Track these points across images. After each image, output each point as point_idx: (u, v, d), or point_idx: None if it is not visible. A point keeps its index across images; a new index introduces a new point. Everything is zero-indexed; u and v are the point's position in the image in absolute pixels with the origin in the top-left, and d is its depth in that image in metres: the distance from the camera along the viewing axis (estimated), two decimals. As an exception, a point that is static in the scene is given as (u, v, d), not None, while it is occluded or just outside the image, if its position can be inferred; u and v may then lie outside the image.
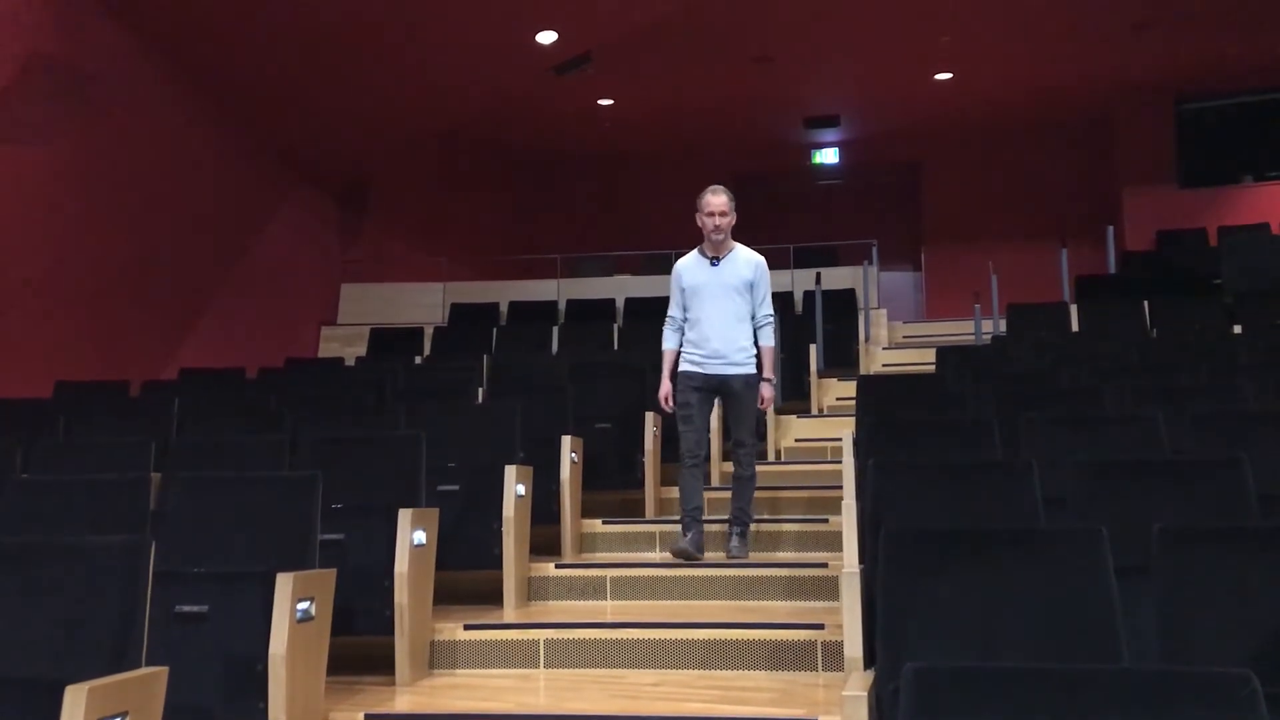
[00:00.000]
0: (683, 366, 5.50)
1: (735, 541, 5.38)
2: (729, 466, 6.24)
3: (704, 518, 5.44)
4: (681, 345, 5.58)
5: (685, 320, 5.56)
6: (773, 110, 14.65)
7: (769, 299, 5.56)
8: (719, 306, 5.44)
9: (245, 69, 9.99)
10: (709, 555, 5.51)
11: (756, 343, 5.51)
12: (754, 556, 5.45)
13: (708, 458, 5.59)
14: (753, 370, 5.47)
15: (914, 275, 15.80)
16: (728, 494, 5.66)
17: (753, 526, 5.54)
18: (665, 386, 5.56)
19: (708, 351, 5.43)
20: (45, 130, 8.50)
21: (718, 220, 5.47)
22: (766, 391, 5.47)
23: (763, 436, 7.54)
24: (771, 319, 5.56)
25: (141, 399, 7.70)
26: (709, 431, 5.57)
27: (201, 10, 9.02)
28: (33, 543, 3.23)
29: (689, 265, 5.59)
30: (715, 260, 5.51)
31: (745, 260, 5.53)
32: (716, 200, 5.50)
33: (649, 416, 6.45)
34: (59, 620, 2.95)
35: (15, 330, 8.35)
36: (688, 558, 5.21)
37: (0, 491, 4.55)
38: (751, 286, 5.49)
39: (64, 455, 5.54)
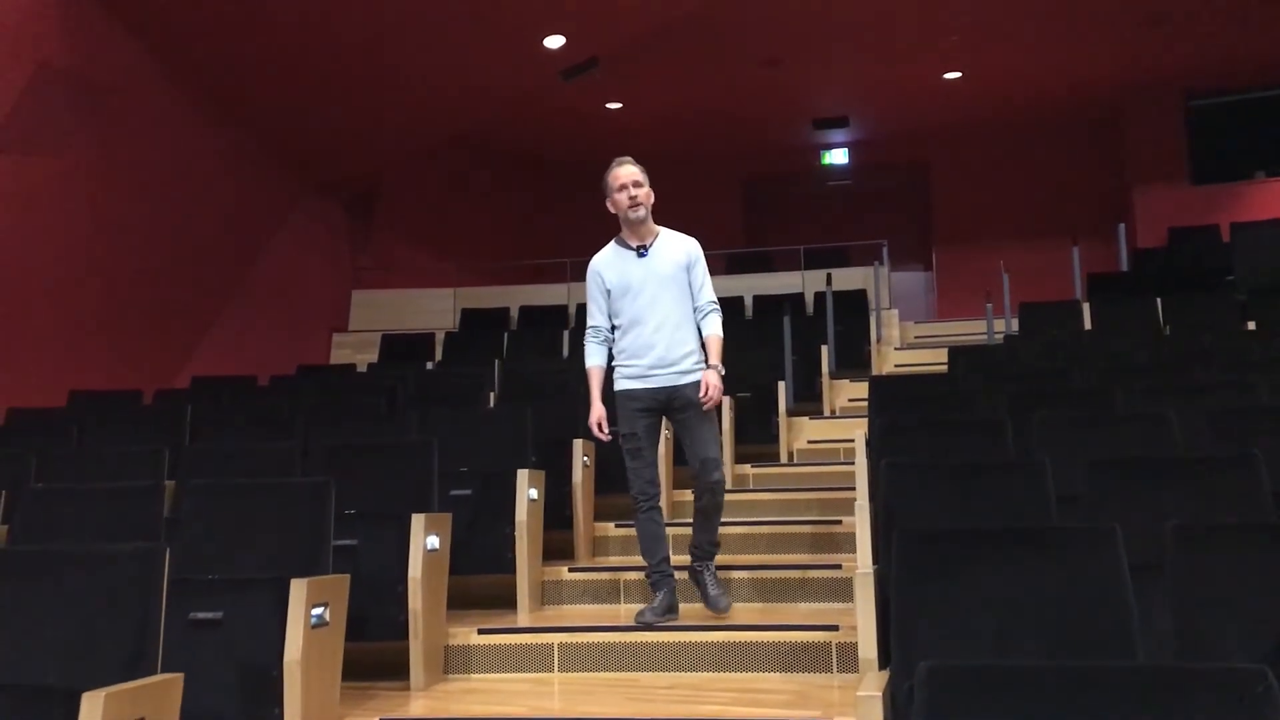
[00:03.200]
0: (620, 385, 4.57)
1: (712, 585, 4.54)
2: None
3: (673, 568, 4.62)
4: (611, 360, 4.66)
5: (614, 328, 4.63)
6: (781, 112, 14.64)
7: (709, 283, 4.63)
8: (659, 304, 4.51)
9: (254, 78, 10.03)
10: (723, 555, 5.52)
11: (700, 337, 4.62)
12: (768, 559, 5.43)
13: (659, 495, 4.63)
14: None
15: (925, 275, 15.78)
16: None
17: (772, 532, 5.04)
18: (598, 410, 4.58)
19: (651, 361, 4.50)
20: (57, 141, 8.54)
21: (632, 190, 4.51)
22: (712, 379, 4.42)
23: (776, 438, 7.53)
24: (716, 305, 4.62)
25: (154, 407, 7.74)
26: (659, 463, 4.65)
27: (211, 21, 9.06)
28: (48, 551, 3.25)
29: (609, 260, 4.64)
30: (642, 250, 4.58)
31: (676, 243, 4.62)
32: (626, 170, 4.55)
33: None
34: (75, 628, 2.96)
35: (29, 339, 8.39)
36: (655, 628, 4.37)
37: (15, 500, 4.58)
38: (688, 271, 4.58)
39: (78, 464, 5.58)
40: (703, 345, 4.59)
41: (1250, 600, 2.81)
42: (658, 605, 4.45)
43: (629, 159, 4.61)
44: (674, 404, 4.51)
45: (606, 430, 4.59)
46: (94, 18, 8.58)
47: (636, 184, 4.52)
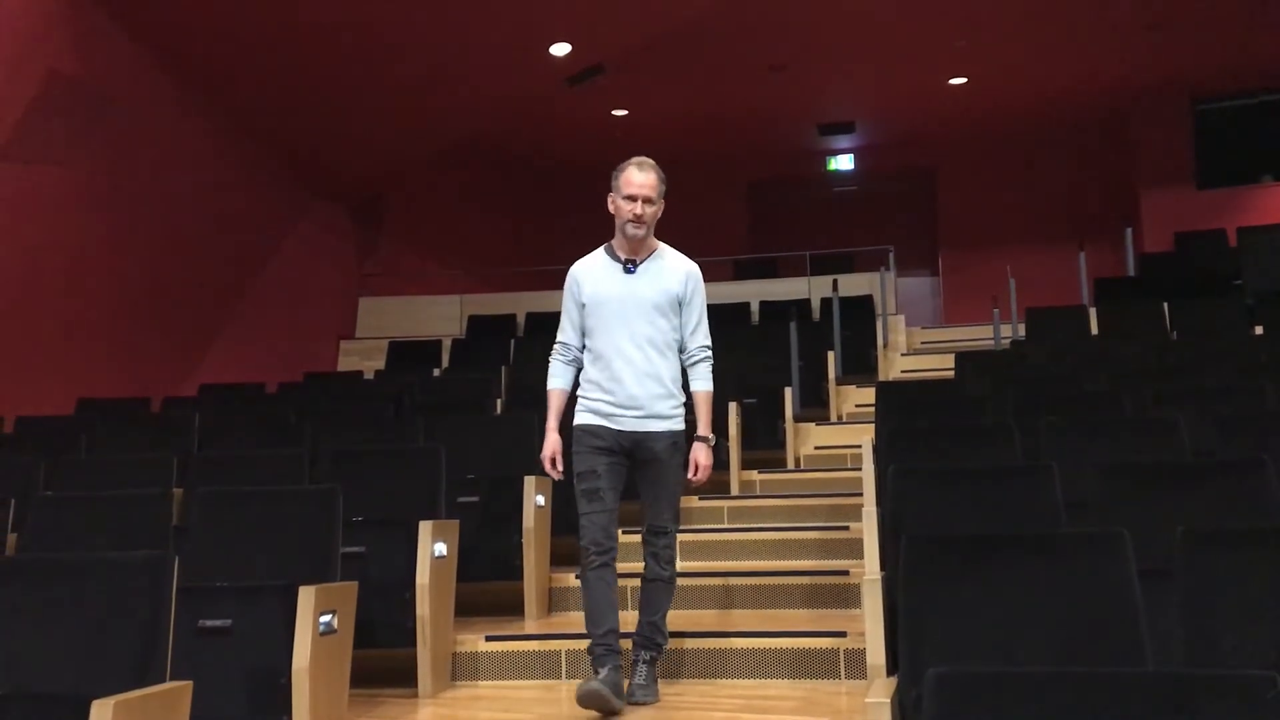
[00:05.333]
0: (582, 418, 3.94)
1: (642, 674, 3.86)
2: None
3: (620, 641, 3.88)
4: (577, 385, 4.03)
5: (584, 349, 4.02)
6: (787, 117, 14.64)
7: (705, 324, 3.97)
8: (635, 332, 3.87)
9: (261, 86, 10.06)
10: (739, 558, 5.50)
11: (686, 385, 3.97)
12: (775, 565, 5.42)
13: (615, 550, 3.93)
14: (681, 426, 3.92)
15: (931, 280, 15.77)
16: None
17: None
18: (552, 442, 3.97)
19: (620, 399, 3.86)
20: (65, 150, 8.57)
21: (640, 207, 3.84)
22: (702, 457, 3.89)
23: (783, 444, 7.51)
24: (708, 353, 3.97)
25: (162, 415, 7.75)
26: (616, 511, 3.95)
27: (219, 30, 9.09)
28: (56, 559, 3.26)
29: (591, 270, 4.00)
30: (630, 265, 3.93)
31: (673, 267, 3.95)
32: (643, 178, 3.87)
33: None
34: (83, 636, 2.97)
35: (37, 348, 8.41)
36: (604, 709, 3.66)
37: (24, 508, 4.59)
38: (681, 304, 3.92)
39: (86, 472, 5.59)
40: (688, 397, 3.99)
41: (1260, 606, 2.80)
42: (599, 679, 3.69)
43: (651, 163, 3.92)
44: (638, 454, 3.89)
45: (560, 467, 3.98)
46: (102, 27, 8.61)
47: (647, 200, 3.86)
